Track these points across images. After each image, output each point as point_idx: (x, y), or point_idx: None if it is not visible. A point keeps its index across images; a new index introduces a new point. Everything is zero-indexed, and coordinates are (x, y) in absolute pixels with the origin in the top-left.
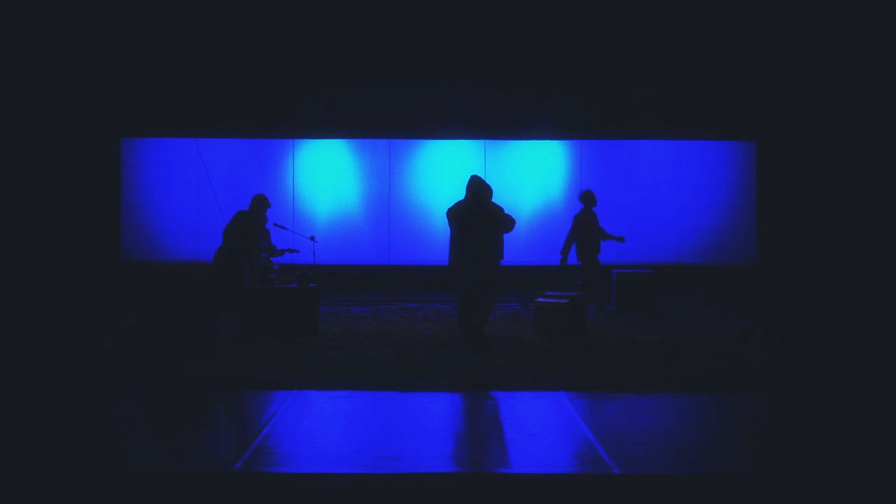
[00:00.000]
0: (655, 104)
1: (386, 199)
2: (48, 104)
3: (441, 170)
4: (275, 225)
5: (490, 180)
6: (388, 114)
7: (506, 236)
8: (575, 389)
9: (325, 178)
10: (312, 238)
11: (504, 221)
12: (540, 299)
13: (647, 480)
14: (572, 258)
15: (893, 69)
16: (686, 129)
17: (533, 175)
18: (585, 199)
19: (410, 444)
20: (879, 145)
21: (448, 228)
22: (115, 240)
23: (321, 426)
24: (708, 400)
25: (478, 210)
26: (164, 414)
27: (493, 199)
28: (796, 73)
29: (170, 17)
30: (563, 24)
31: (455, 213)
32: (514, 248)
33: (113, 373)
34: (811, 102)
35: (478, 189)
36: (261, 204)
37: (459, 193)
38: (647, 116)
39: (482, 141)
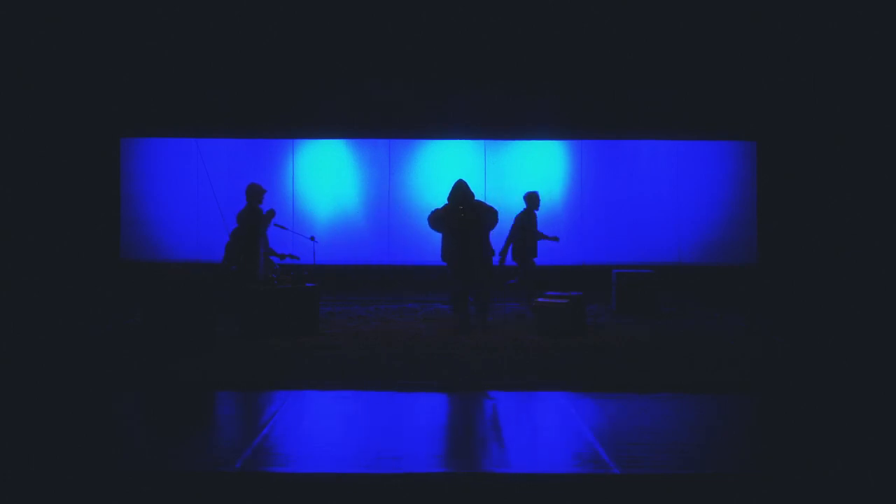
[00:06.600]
0: (655, 104)
1: (386, 199)
2: (48, 104)
3: (441, 170)
4: (275, 225)
5: (490, 180)
6: (388, 114)
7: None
8: (575, 389)
9: (325, 178)
10: (312, 238)
11: (489, 220)
12: (540, 299)
13: (647, 480)
14: (510, 258)
15: (893, 69)
16: (686, 129)
17: (533, 175)
18: (530, 200)
19: (410, 444)
20: (879, 145)
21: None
22: (115, 240)
23: (321, 426)
24: (708, 400)
25: (465, 212)
26: (164, 414)
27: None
28: (796, 73)
29: (170, 17)
30: (564, 24)
31: (440, 218)
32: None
33: (113, 373)
34: (811, 102)
35: (464, 192)
36: (256, 194)
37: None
38: (647, 116)
39: (482, 141)
